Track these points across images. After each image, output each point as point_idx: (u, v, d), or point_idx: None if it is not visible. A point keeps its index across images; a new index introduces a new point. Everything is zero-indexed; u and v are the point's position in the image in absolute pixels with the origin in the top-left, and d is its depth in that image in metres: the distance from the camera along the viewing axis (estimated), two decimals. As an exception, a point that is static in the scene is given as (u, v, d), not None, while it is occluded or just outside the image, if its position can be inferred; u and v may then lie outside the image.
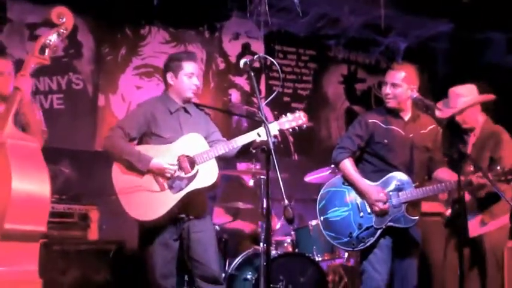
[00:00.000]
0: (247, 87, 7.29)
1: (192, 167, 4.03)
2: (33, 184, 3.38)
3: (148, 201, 3.99)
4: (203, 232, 4.16)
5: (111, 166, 5.61)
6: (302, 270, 5.19)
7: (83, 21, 6.43)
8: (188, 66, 4.20)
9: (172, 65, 4.24)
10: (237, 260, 5.23)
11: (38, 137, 3.84)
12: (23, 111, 3.81)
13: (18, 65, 4.12)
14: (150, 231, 4.07)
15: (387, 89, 4.35)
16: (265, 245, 4.94)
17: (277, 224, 5.82)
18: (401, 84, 4.30)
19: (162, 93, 4.36)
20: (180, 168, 4.02)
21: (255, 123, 4.15)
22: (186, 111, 4.25)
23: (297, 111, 4.16)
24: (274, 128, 4.05)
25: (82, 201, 5.51)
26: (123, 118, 4.29)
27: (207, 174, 4.03)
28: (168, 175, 3.99)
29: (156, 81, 6.82)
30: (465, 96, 4.74)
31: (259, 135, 4.02)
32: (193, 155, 4.04)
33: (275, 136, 4.03)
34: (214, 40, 7.22)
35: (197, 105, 4.42)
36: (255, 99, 7.26)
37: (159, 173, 4.00)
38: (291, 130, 4.13)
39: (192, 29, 7.08)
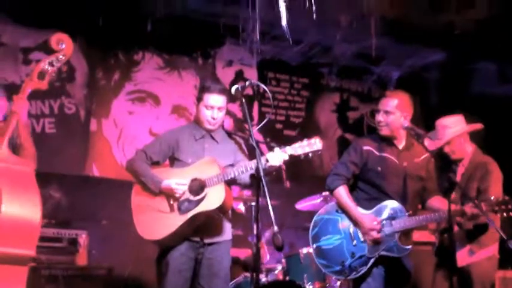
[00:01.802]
0: (240, 114, 7.29)
1: (202, 190, 4.05)
2: (24, 208, 3.36)
3: (157, 221, 4.06)
4: (215, 259, 4.16)
5: (101, 192, 5.63)
6: (293, 298, 5.14)
7: (77, 46, 6.42)
8: (208, 99, 4.22)
9: (198, 94, 4.33)
10: (228, 288, 5.19)
11: (31, 158, 3.85)
12: (18, 132, 3.81)
13: (11, 88, 4.13)
14: (165, 254, 4.10)
15: (380, 117, 4.35)
16: (254, 273, 4.95)
17: (267, 254, 5.77)
18: (394, 111, 4.29)
19: (192, 121, 4.48)
20: (191, 191, 4.06)
21: (253, 150, 4.12)
22: (212, 138, 4.30)
23: (313, 137, 4.08)
24: (285, 154, 4.01)
25: (71, 226, 5.48)
26: (149, 142, 4.40)
27: (213, 198, 4.04)
28: (177, 195, 4.04)
29: (149, 106, 6.84)
30: (452, 128, 4.74)
31: (267, 160, 3.99)
32: (204, 178, 4.06)
33: (284, 162, 4.01)
34: (208, 66, 7.26)
35: (228, 133, 4.46)
36: (246, 126, 7.26)
37: (169, 194, 4.06)
38: (302, 156, 4.05)
39: (186, 55, 7.11)
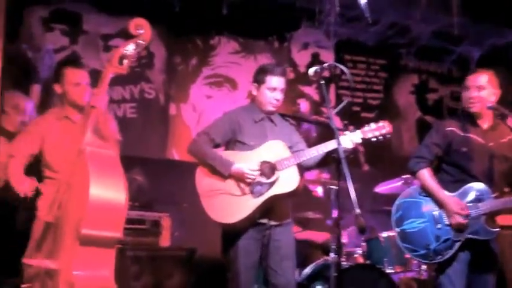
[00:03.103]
0: (316, 97, 7.26)
1: (273, 173, 4.03)
2: (110, 191, 3.43)
3: (229, 205, 4.04)
4: (283, 241, 4.15)
5: (181, 175, 5.68)
6: (373, 282, 5.09)
7: (155, 32, 6.49)
8: (271, 80, 4.20)
9: (257, 76, 4.27)
10: (307, 271, 5.19)
11: (113, 146, 3.94)
12: (99, 126, 3.89)
13: (93, 75, 4.24)
14: (233, 237, 4.10)
15: (472, 93, 4.21)
16: (336, 255, 4.93)
17: (345, 237, 5.73)
18: (486, 86, 4.18)
19: (249, 102, 4.45)
20: (261, 173, 4.04)
21: (325, 133, 4.11)
22: (270, 120, 4.29)
23: (381, 121, 4.08)
24: (357, 136, 4.01)
25: (154, 209, 5.58)
26: (209, 125, 4.34)
27: (287, 181, 4.02)
28: (249, 180, 4.02)
29: (226, 91, 6.90)
30: None
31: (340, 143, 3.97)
32: (274, 161, 4.05)
33: (357, 145, 4.01)
34: (284, 50, 7.23)
35: (282, 115, 4.44)
36: (323, 109, 7.24)
37: (240, 178, 4.04)
38: (374, 139, 4.05)
39: (262, 39, 7.12)
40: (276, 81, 4.20)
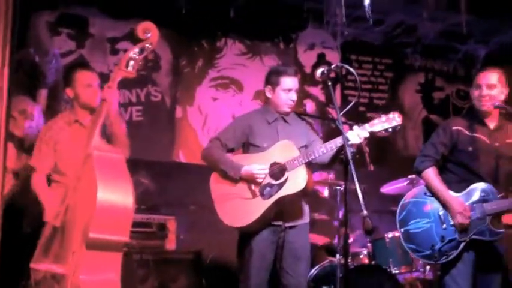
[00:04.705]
0: (322, 98, 7.26)
1: (283, 174, 4.05)
2: (117, 195, 3.46)
3: (240, 208, 4.07)
4: (297, 243, 4.17)
5: (188, 178, 5.72)
6: (378, 283, 5.11)
7: (161, 35, 6.50)
8: (286, 82, 4.23)
9: (270, 79, 4.30)
10: (313, 272, 5.20)
11: (123, 148, 3.97)
12: (109, 122, 3.93)
13: (100, 78, 4.28)
14: (248, 240, 4.12)
15: (483, 91, 4.20)
16: (342, 257, 4.95)
17: (350, 238, 5.72)
18: (496, 84, 4.18)
19: (262, 105, 4.47)
20: (271, 175, 4.06)
21: (332, 133, 4.10)
22: (285, 121, 4.31)
23: (391, 112, 4.00)
24: (365, 130, 3.93)
25: (160, 212, 5.61)
26: (222, 130, 4.40)
27: (295, 181, 4.03)
28: (259, 180, 4.04)
29: (232, 92, 6.90)
30: None
31: (348, 139, 3.90)
32: (284, 161, 4.06)
33: (365, 140, 3.94)
34: (290, 51, 7.23)
35: (298, 115, 4.46)
36: (329, 110, 7.25)
37: (250, 180, 4.07)
38: (383, 132, 4.01)
39: (268, 41, 7.11)
40: (290, 82, 4.24)
